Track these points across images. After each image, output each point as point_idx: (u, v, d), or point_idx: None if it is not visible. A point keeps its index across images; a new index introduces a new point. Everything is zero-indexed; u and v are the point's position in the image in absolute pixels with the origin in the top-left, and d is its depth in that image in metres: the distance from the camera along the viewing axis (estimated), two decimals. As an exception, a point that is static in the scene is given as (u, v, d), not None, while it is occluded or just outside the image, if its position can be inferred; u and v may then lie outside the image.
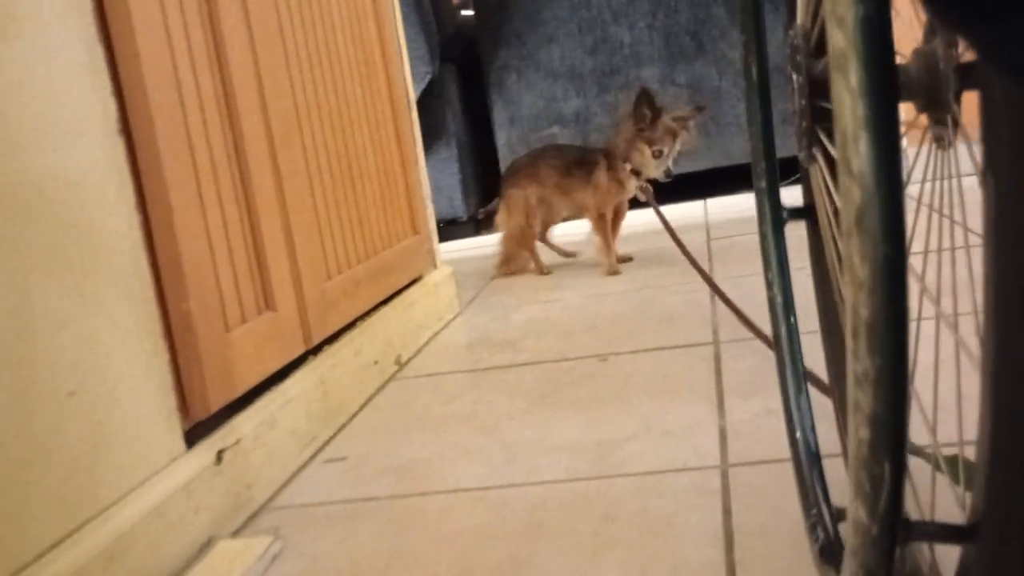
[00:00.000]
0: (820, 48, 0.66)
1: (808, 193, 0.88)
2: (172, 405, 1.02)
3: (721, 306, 1.72)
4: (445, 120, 3.17)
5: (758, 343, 1.43)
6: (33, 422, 0.81)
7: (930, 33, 0.51)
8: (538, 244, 2.41)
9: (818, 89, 0.64)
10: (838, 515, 0.72)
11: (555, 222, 2.45)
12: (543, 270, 2.36)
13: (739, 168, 3.07)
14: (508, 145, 3.24)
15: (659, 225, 2.11)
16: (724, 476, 1.00)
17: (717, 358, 1.42)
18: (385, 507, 1.07)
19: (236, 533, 1.05)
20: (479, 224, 3.42)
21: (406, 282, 1.79)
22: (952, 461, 0.59)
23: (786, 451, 1.03)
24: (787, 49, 0.70)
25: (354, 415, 1.43)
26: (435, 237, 2.00)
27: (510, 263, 2.39)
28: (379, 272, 1.63)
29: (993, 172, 0.39)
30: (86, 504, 0.87)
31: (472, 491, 1.07)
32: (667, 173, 2.17)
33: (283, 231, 1.27)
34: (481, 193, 3.38)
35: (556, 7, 3.16)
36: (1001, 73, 0.33)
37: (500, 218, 2.39)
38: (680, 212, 2.96)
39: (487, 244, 3.12)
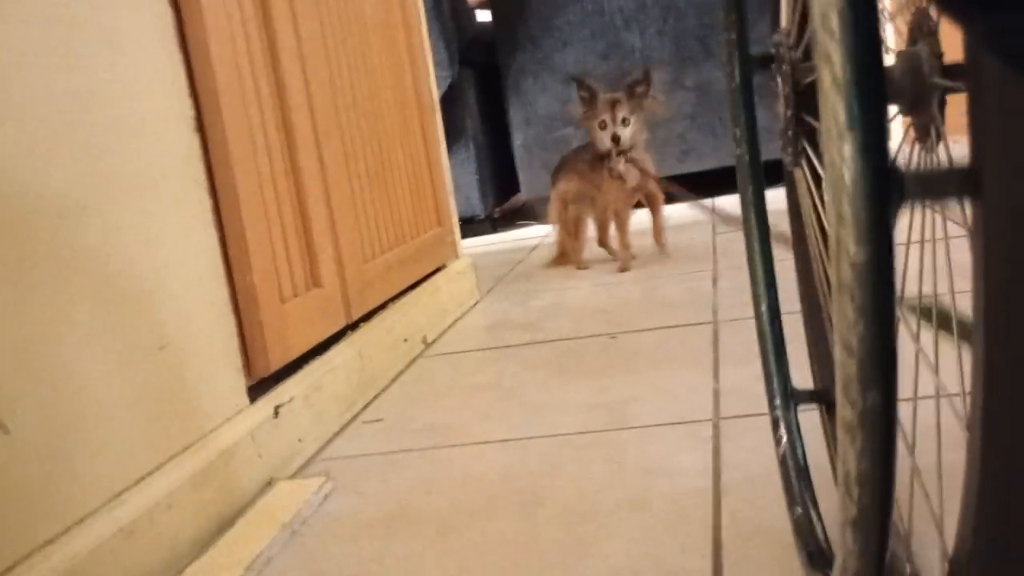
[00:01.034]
0: (806, 52, 0.67)
1: (792, 196, 0.89)
2: (238, 364, 1.18)
3: (721, 290, 1.87)
4: (464, 122, 3.33)
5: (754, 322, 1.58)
6: (134, 369, 0.97)
7: (914, 35, 0.51)
8: (588, 247, 2.45)
9: (803, 93, 0.64)
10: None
11: (605, 221, 2.43)
12: (582, 265, 2.40)
13: (744, 167, 3.21)
14: (524, 146, 3.39)
15: (677, 214, 2.26)
16: (715, 427, 1.15)
17: (715, 334, 1.57)
18: (420, 456, 1.22)
19: (292, 477, 1.21)
20: (496, 222, 3.58)
21: (431, 269, 1.95)
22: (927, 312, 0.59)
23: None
24: (772, 53, 0.70)
25: (386, 387, 1.58)
26: (457, 229, 2.16)
27: (563, 255, 2.46)
28: (408, 259, 1.79)
29: (984, 175, 0.38)
30: (176, 439, 1.03)
31: (497, 442, 1.23)
32: (614, 137, 2.24)
33: (327, 217, 1.43)
34: (497, 192, 3.54)
35: (570, 13, 3.32)
36: (1005, 63, 0.32)
37: (552, 216, 2.46)
38: (686, 213, 3.11)
39: (504, 240, 3.28)
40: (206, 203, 1.15)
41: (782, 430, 0.79)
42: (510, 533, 0.96)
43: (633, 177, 2.28)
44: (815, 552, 0.70)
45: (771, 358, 0.85)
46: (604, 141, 2.27)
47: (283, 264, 1.28)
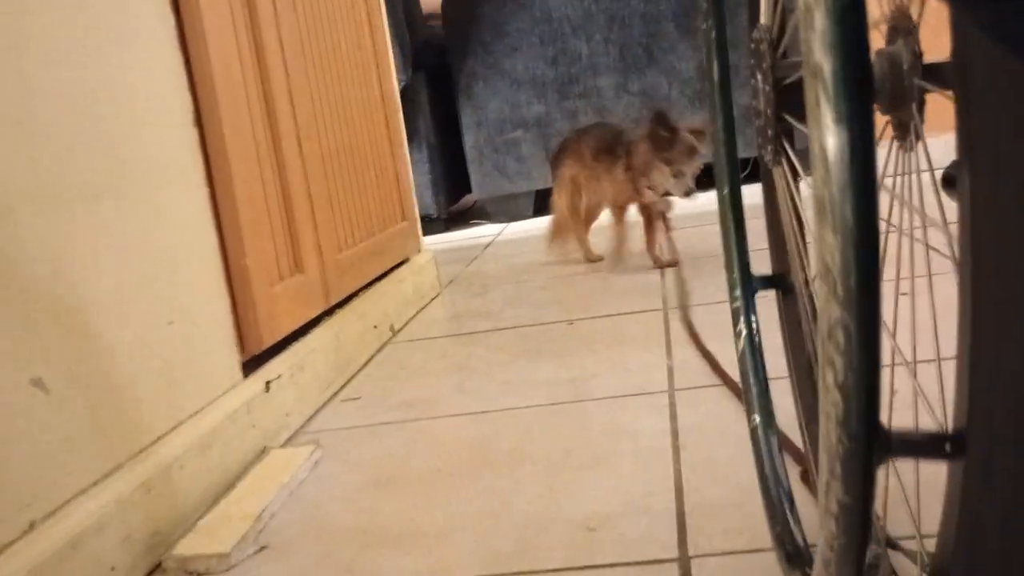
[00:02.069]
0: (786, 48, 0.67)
1: (769, 192, 0.88)
2: (233, 341, 1.27)
3: (669, 281, 2.00)
4: (417, 124, 3.43)
5: (703, 308, 1.71)
6: (150, 340, 1.06)
7: (893, 34, 0.51)
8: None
9: (783, 90, 0.63)
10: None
11: (597, 213, 2.39)
12: (590, 256, 2.34)
13: (687, 169, 3.36)
14: (476, 147, 3.50)
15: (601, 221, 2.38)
16: (671, 397, 1.27)
17: (666, 319, 1.69)
18: (400, 428, 1.33)
19: (282, 447, 1.30)
20: (448, 221, 3.69)
21: (397, 262, 2.05)
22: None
23: (728, 369, 1.31)
24: (751, 50, 0.70)
25: (360, 369, 1.68)
26: (419, 224, 2.26)
27: (555, 244, 2.41)
28: (377, 251, 1.89)
29: (969, 171, 0.39)
30: (184, 406, 1.12)
31: (471, 414, 1.33)
32: (688, 192, 2.09)
33: (308, 208, 1.53)
34: (449, 192, 3.64)
35: (520, 20, 3.44)
36: (1006, 48, 0.32)
37: (553, 200, 2.40)
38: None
39: (457, 239, 3.38)
40: (204, 191, 1.24)
41: (741, 324, 0.82)
42: (493, 487, 1.07)
43: (648, 196, 2.18)
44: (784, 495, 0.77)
45: (732, 245, 0.84)
46: (673, 189, 2.10)
47: (270, 250, 1.38)
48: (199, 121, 1.24)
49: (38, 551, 0.83)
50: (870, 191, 0.38)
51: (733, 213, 0.83)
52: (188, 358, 1.15)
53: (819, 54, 0.37)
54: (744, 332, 0.82)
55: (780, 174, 0.74)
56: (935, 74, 0.47)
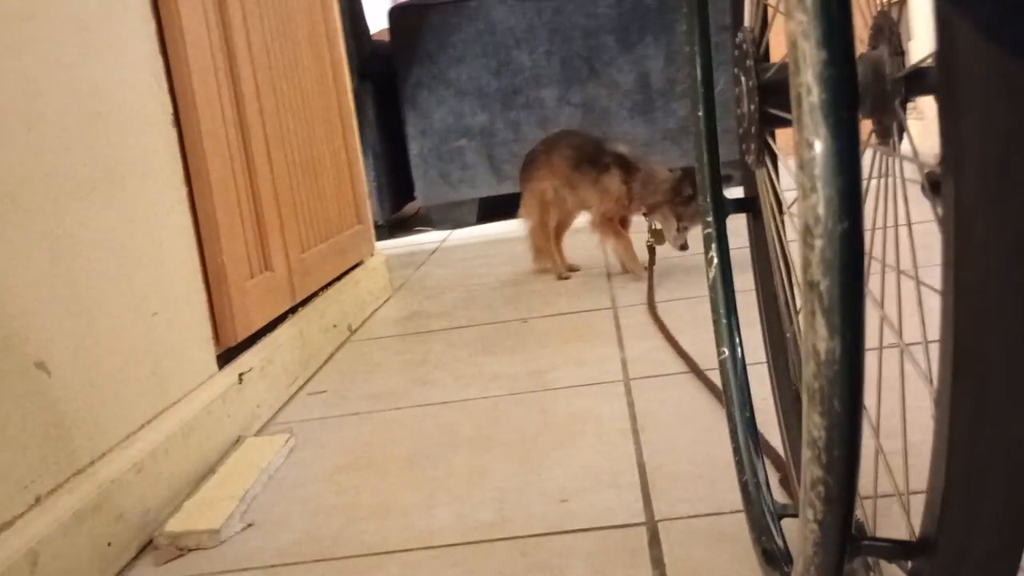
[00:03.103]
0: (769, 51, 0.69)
1: (754, 198, 0.87)
2: (209, 333, 1.32)
3: (615, 283, 2.09)
4: (364, 132, 3.48)
5: (666, 304, 1.80)
6: (138, 330, 1.11)
7: (875, 39, 0.50)
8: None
9: (767, 93, 0.64)
10: (780, 513, 0.76)
11: (569, 223, 2.35)
12: (561, 273, 2.28)
13: (626, 179, 3.47)
14: (421, 155, 3.57)
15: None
16: (627, 385, 1.35)
17: (616, 317, 1.78)
18: (369, 417, 1.39)
19: (256, 435, 1.35)
20: (392, 227, 3.74)
21: (353, 263, 2.10)
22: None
23: (673, 367, 1.40)
24: (735, 53, 0.70)
25: (322, 365, 1.73)
26: (372, 228, 2.32)
27: (540, 259, 2.33)
28: (336, 252, 1.94)
29: (953, 175, 0.39)
30: (169, 393, 1.17)
31: (438, 404, 1.40)
32: (683, 247, 2.11)
33: (276, 209, 1.58)
34: (393, 199, 3.69)
35: (465, 32, 3.52)
36: (1004, 50, 0.31)
37: (522, 212, 2.33)
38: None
39: (402, 245, 3.44)
40: (182, 190, 1.29)
41: (713, 250, 0.83)
42: (467, 467, 1.13)
43: (635, 211, 2.18)
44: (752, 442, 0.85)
45: (705, 169, 0.85)
46: (670, 237, 2.12)
47: (242, 248, 1.43)
48: (178, 122, 1.29)
49: (44, 524, 0.88)
50: (855, 189, 0.38)
51: (707, 136, 0.84)
52: (170, 348, 1.19)
53: (806, 62, 0.37)
54: (716, 259, 0.83)
55: (763, 177, 0.75)
56: (918, 79, 0.47)
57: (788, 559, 0.72)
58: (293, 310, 1.68)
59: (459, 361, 1.63)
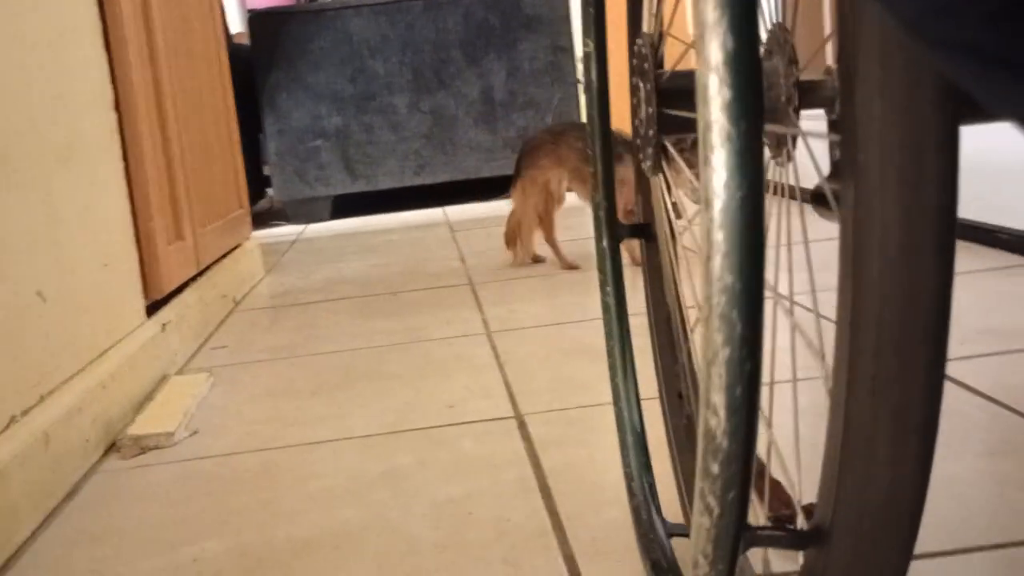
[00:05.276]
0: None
1: (647, 202, 0.87)
2: (139, 287, 1.55)
3: (470, 267, 2.41)
4: (224, 128, 3.68)
5: (503, 280, 2.13)
6: (98, 275, 1.35)
7: (770, 50, 0.51)
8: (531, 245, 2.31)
9: (664, 99, 0.64)
10: (670, 528, 0.76)
11: (554, 215, 2.28)
12: (527, 259, 2.29)
13: (470, 181, 3.82)
14: (278, 153, 3.79)
15: (412, 220, 2.76)
16: (489, 337, 1.67)
17: (474, 291, 2.10)
18: (273, 363, 1.65)
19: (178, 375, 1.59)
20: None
21: (236, 244, 2.34)
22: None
23: (528, 323, 1.73)
24: (633, 58, 0.70)
25: (217, 327, 1.97)
26: (249, 214, 2.56)
27: (515, 247, 2.31)
28: (225, 231, 2.18)
29: (853, 184, 0.39)
30: (118, 329, 1.40)
31: (331, 353, 1.67)
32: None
33: (185, 186, 1.82)
34: (249, 195, 3.89)
35: (322, 40, 3.77)
36: (927, 48, 0.29)
37: (516, 199, 2.25)
38: (425, 216, 3.64)
39: (262, 236, 3.65)
40: (120, 164, 1.52)
41: (607, 273, 0.84)
42: (369, 392, 1.42)
43: None
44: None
45: (601, 192, 0.84)
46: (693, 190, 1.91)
47: (163, 217, 1.66)
48: (118, 106, 1.52)
49: (49, 416, 1.11)
50: (758, 197, 0.38)
51: (603, 161, 0.84)
52: (116, 294, 1.43)
53: (711, 70, 0.37)
54: (611, 287, 0.83)
55: (657, 184, 0.76)
56: (811, 90, 0.48)
57: (677, 572, 0.73)
58: (194, 278, 1.91)
59: (342, 323, 1.90)
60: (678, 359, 0.82)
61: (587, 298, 1.95)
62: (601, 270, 0.85)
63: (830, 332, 0.45)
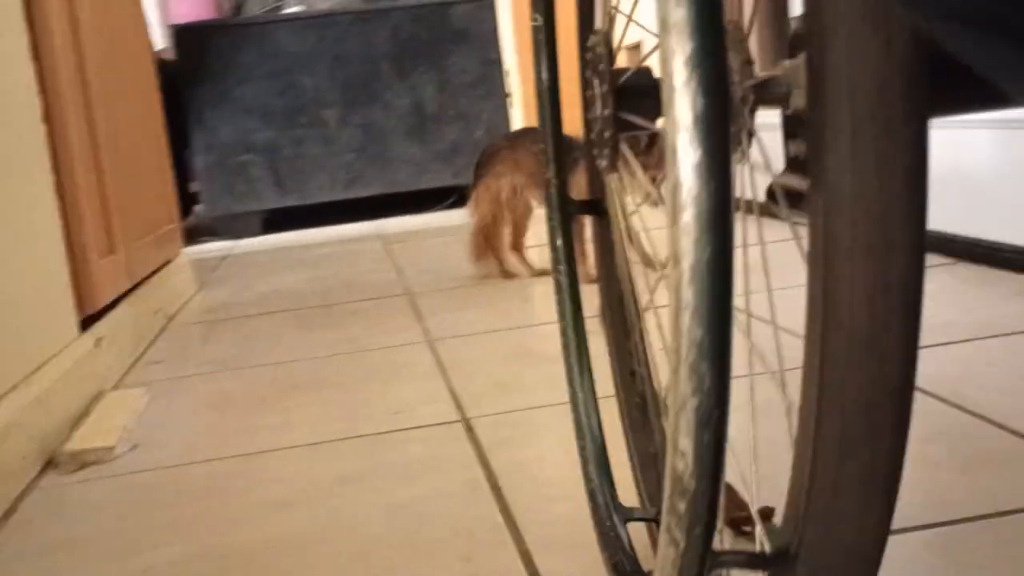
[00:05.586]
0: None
1: (596, 177, 0.83)
2: (72, 301, 1.52)
3: (407, 278, 2.41)
4: (150, 144, 3.62)
5: (441, 290, 2.14)
6: (3, 295, 1.32)
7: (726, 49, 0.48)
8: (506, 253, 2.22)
9: (621, 98, 0.63)
10: (627, 516, 0.76)
11: (525, 224, 2.21)
12: (507, 273, 2.20)
13: (403, 194, 3.82)
14: (206, 168, 3.74)
15: (346, 233, 2.75)
16: (431, 344, 1.67)
17: (412, 301, 2.10)
18: (213, 376, 1.63)
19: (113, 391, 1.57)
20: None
21: (167, 259, 2.30)
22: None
23: (466, 329, 1.74)
24: (585, 56, 0.69)
25: (152, 342, 1.94)
26: (179, 229, 2.52)
27: (481, 260, 2.21)
28: (156, 245, 2.15)
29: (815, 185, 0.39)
30: (55, 342, 1.37)
31: (272, 364, 1.66)
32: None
33: (118, 200, 1.79)
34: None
35: (250, 54, 3.74)
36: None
37: (478, 210, 2.16)
38: (359, 229, 3.63)
39: (190, 252, 3.60)
40: (50, 177, 1.49)
41: (559, 240, 0.83)
42: (314, 400, 1.41)
43: None
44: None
45: (552, 167, 0.83)
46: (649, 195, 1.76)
47: (95, 231, 1.64)
48: (48, 118, 1.49)
49: (-15, 432, 1.09)
50: (726, 219, 0.38)
51: (553, 135, 0.82)
52: (49, 309, 1.40)
53: (680, 130, 0.37)
54: (563, 265, 0.82)
55: (615, 181, 0.77)
56: (765, 87, 0.48)
57: (636, 566, 0.73)
58: (126, 293, 1.88)
59: (280, 336, 1.89)
60: (631, 337, 0.81)
61: (525, 304, 1.96)
62: (553, 247, 0.83)
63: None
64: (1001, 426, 1.02)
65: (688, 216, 0.38)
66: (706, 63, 0.37)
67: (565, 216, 0.83)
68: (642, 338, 0.81)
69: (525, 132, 2.26)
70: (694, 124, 0.37)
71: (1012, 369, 1.21)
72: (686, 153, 0.37)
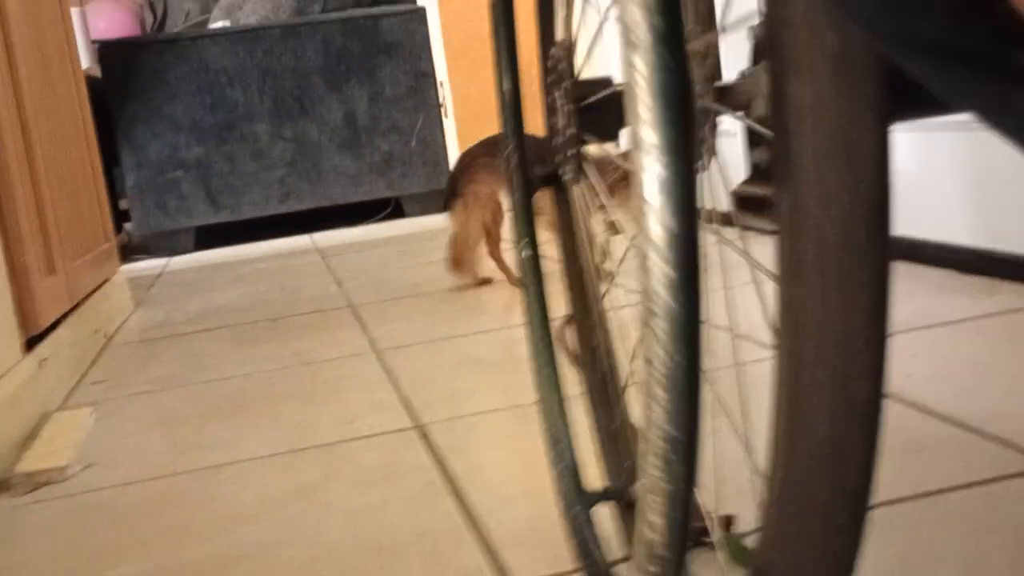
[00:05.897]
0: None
1: (565, 210, 0.84)
2: (15, 323, 1.51)
3: (348, 290, 2.42)
4: (78, 162, 3.57)
5: (384, 300, 2.15)
6: (-26, 312, 1.31)
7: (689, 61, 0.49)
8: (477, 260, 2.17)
9: (585, 108, 0.63)
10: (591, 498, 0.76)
11: (499, 231, 2.16)
12: (478, 279, 2.18)
13: (337, 207, 3.82)
14: (137, 186, 3.70)
15: (282, 248, 2.75)
16: (378, 355, 1.69)
17: (355, 312, 2.11)
18: (158, 394, 1.63)
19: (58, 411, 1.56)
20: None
21: (104, 278, 2.28)
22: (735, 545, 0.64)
23: (413, 339, 1.76)
24: (547, 67, 0.69)
25: (93, 362, 1.93)
26: (116, 248, 2.50)
27: (459, 270, 2.17)
28: (94, 264, 2.13)
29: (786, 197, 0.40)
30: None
31: (219, 380, 1.67)
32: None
33: (55, 220, 1.78)
34: (109, 229, 3.79)
35: (178, 70, 3.71)
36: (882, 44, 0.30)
37: (458, 217, 2.12)
38: (295, 243, 3.63)
39: (123, 271, 3.56)
40: (-10, 200, 1.49)
41: (522, 217, 0.82)
42: (264, 415, 1.43)
43: None
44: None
45: (512, 140, 0.82)
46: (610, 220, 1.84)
47: (35, 251, 1.63)
48: (-15, 140, 1.49)
49: (-63, 456, 1.08)
50: (691, 221, 0.38)
51: (512, 109, 0.82)
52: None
53: (655, 253, 0.38)
54: (527, 239, 0.81)
55: (579, 193, 0.77)
56: (726, 93, 0.48)
57: (600, 551, 0.75)
58: (67, 314, 1.87)
59: (225, 351, 1.89)
60: (592, 313, 0.81)
61: (471, 313, 1.99)
62: (516, 224, 0.82)
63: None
64: (927, 411, 1.08)
65: (659, 327, 0.39)
66: (681, 191, 0.39)
67: (526, 191, 0.81)
68: (602, 317, 0.81)
69: (502, 137, 2.20)
70: (667, 246, 0.39)
71: (935, 359, 1.28)
72: (657, 279, 0.39)
